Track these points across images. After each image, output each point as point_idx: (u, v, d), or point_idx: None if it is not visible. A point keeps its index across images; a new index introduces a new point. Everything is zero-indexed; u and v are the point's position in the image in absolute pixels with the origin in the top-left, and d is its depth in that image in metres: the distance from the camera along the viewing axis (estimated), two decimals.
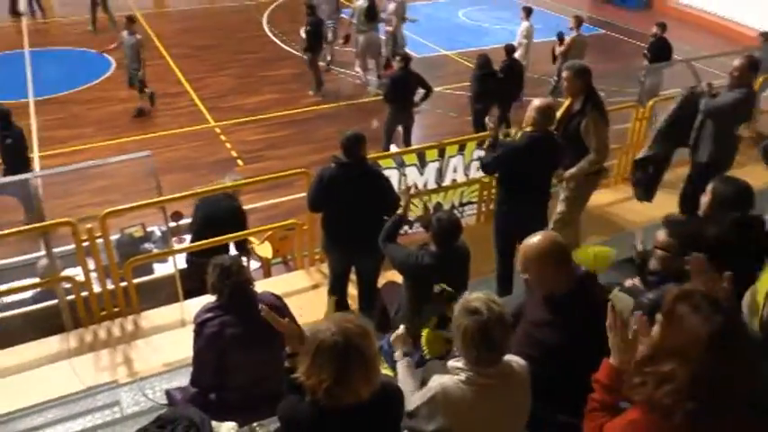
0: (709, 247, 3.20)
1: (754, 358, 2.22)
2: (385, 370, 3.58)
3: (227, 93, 13.39)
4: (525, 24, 12.55)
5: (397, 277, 4.93)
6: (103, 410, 4.77)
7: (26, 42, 16.27)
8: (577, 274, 3.20)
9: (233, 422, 3.42)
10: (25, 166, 8.59)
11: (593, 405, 2.51)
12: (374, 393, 2.49)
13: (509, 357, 2.87)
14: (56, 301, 5.93)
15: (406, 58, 10.28)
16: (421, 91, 10.02)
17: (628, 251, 4.48)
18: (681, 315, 2.15)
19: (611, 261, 4.52)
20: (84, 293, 5.88)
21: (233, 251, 6.45)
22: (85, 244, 5.73)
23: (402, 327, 3.41)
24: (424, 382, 2.99)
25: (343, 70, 14.67)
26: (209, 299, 3.92)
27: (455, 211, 7.27)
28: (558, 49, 11.97)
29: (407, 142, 10.34)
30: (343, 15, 14.85)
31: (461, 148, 7.26)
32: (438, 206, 7.23)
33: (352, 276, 5.75)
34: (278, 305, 3.84)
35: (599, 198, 7.70)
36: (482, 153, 6.12)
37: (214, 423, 3.29)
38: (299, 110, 12.76)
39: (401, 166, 6.99)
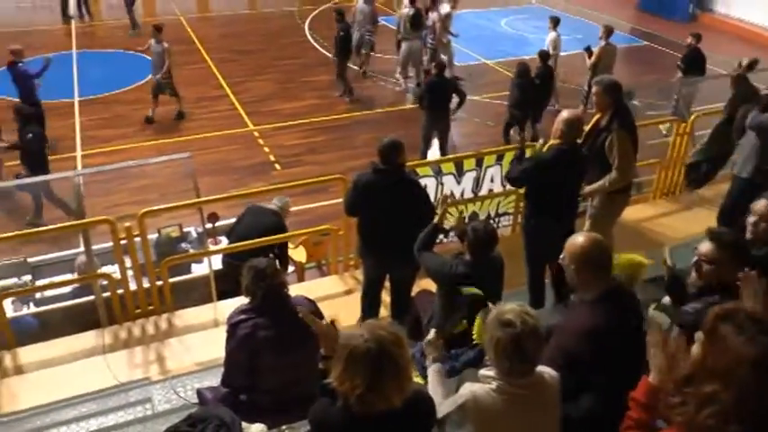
0: (762, 265, 3.13)
1: None
2: (416, 378, 3.55)
3: (267, 97, 13.51)
4: (552, 35, 12.46)
5: (431, 286, 4.90)
6: (135, 407, 4.83)
7: (74, 44, 16.65)
8: (613, 284, 3.22)
9: (263, 424, 3.42)
10: (43, 165, 8.78)
11: (629, 423, 2.46)
12: (406, 401, 2.47)
13: (541, 368, 2.84)
14: (92, 298, 6.02)
15: (441, 66, 10.32)
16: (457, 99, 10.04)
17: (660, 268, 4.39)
18: (724, 335, 2.09)
19: (644, 270, 4.47)
20: (121, 291, 5.95)
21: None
22: (123, 242, 5.81)
23: (433, 332, 3.38)
24: (457, 391, 2.96)
25: (383, 77, 14.71)
26: (243, 300, 3.93)
27: (491, 222, 7.21)
28: (588, 61, 11.89)
29: (443, 148, 10.39)
30: (384, 22, 14.92)
31: (499, 158, 7.20)
32: (474, 216, 7.18)
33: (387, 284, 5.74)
34: (311, 309, 3.84)
35: (636, 213, 7.62)
36: None
37: (244, 424, 3.30)
38: (338, 116, 12.81)
39: (438, 174, 6.96)
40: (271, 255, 6.42)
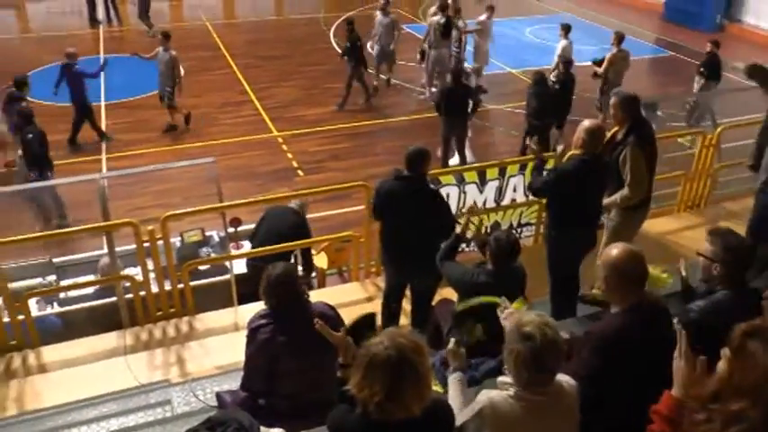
0: None
1: None
2: (435, 387, 3.53)
3: (291, 103, 13.57)
4: (564, 42, 12.42)
5: (452, 295, 4.88)
6: (155, 408, 4.86)
7: (102, 49, 16.87)
8: (644, 297, 3.23)
9: (281, 429, 3.42)
10: (44, 165, 8.93)
11: None
12: (425, 409, 2.45)
13: (559, 377, 2.82)
14: (115, 299, 6.07)
15: (458, 73, 10.37)
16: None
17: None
18: (752, 352, 2.05)
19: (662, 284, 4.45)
20: (143, 293, 6.00)
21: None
22: (146, 245, 5.86)
23: (453, 341, 3.37)
24: None
25: (408, 85, 14.73)
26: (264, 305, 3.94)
27: (513, 232, 7.17)
28: (599, 70, 11.93)
29: (461, 152, 10.49)
30: (410, 30, 14.92)
31: (522, 168, 7.16)
32: (496, 225, 7.14)
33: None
34: (331, 315, 3.83)
35: (660, 225, 7.55)
36: None
37: (262, 428, 3.29)
38: (362, 122, 12.84)
39: (461, 183, 6.94)
40: (294, 256, 6.45)
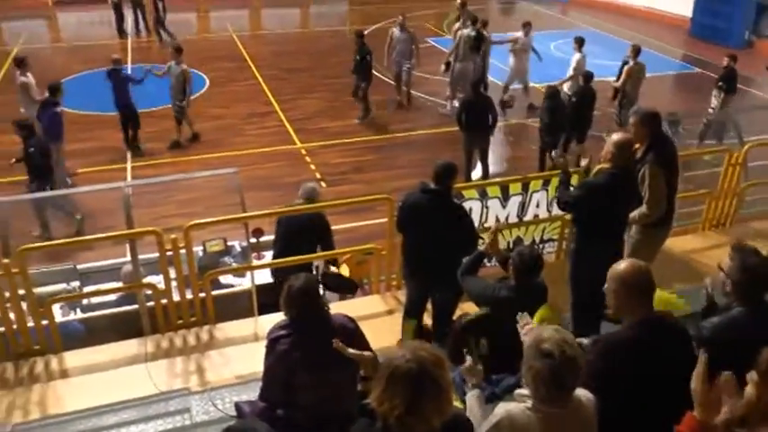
0: None
1: None
2: (455, 402, 3.51)
3: (315, 115, 13.64)
4: (577, 56, 12.41)
5: (473, 310, 4.85)
6: (174, 416, 4.88)
7: (129, 59, 17.10)
8: (655, 313, 3.26)
9: None
10: (45, 177, 9.09)
11: None
12: (445, 423, 2.43)
13: (578, 391, 2.79)
14: (137, 306, 6.11)
15: (478, 83, 10.35)
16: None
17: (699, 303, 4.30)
18: None
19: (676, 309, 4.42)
20: (164, 301, 6.03)
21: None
22: (169, 253, 5.90)
23: (469, 359, 3.35)
24: None
25: (431, 98, 14.75)
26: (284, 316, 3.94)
27: (536, 247, 7.13)
28: (617, 84, 11.95)
29: (484, 162, 10.48)
30: (433, 43, 14.92)
31: (545, 183, 7.13)
32: (518, 241, 7.11)
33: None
34: (350, 327, 3.82)
35: (684, 243, 7.47)
36: None
37: None
38: (385, 135, 12.89)
39: (484, 197, 6.91)
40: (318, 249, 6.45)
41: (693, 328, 3.88)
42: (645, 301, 3.22)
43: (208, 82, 15.81)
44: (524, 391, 2.76)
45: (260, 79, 16.01)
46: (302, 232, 6.28)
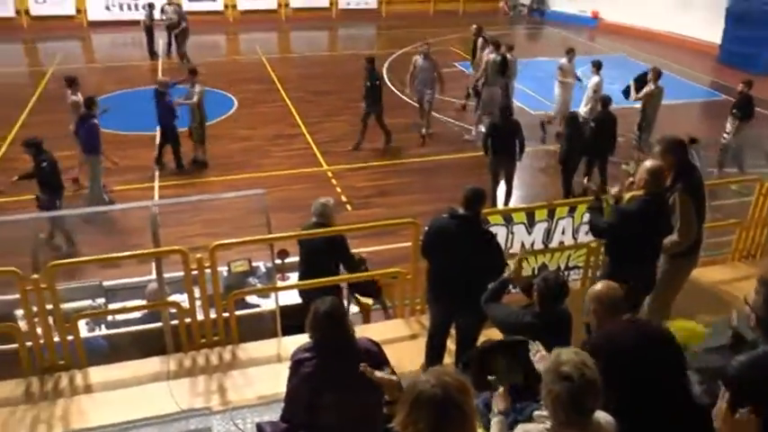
0: None
1: None
2: (479, 429, 3.48)
3: (341, 138, 13.70)
4: (595, 79, 12.36)
5: (497, 336, 4.81)
6: None
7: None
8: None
9: None
10: (55, 192, 9.22)
11: None
12: None
13: (597, 414, 2.78)
14: (161, 324, 6.15)
15: (507, 108, 10.35)
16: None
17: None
18: None
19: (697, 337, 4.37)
20: (188, 320, 6.06)
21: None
22: (194, 272, 5.94)
23: (502, 388, 3.34)
24: None
25: (458, 123, 14.78)
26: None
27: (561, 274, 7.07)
28: (633, 95, 12.00)
29: (509, 184, 10.49)
30: (461, 68, 14.96)
31: (571, 210, 7.09)
32: (543, 267, 7.06)
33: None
34: (374, 351, 3.81)
35: (713, 274, 7.37)
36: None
37: None
38: (409, 160, 12.91)
39: (509, 223, 6.89)
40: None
41: (715, 360, 3.83)
42: (621, 312, 3.66)
43: (236, 103, 16.02)
44: (543, 412, 2.76)
45: (287, 101, 16.17)
46: (320, 253, 6.27)
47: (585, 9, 26.66)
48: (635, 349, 3.37)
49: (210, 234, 8.64)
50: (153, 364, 5.94)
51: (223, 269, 6.90)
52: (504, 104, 10.87)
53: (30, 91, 16.72)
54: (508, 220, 6.91)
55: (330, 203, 6.52)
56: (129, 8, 24.04)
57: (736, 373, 3.19)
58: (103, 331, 6.67)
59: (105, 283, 7.20)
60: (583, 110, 12.27)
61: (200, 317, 6.12)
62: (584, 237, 7.02)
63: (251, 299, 7.04)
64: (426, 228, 5.45)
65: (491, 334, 5.23)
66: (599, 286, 3.79)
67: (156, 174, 11.94)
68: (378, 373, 3.40)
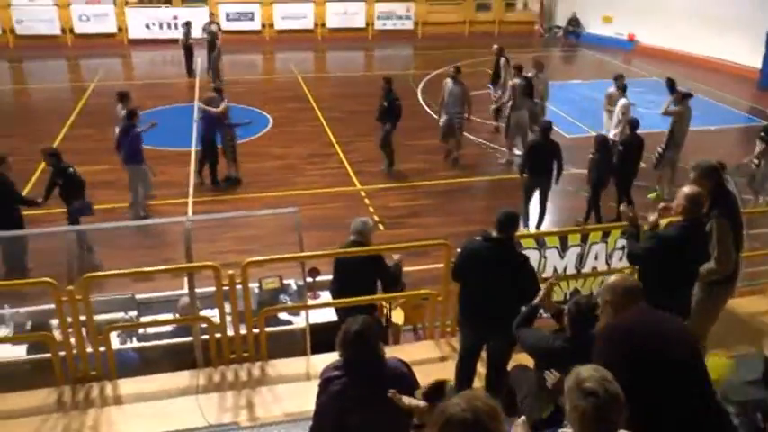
0: None
1: None
2: None
3: (375, 158, 13.73)
4: (623, 101, 12.22)
5: (528, 361, 4.76)
6: None
7: (197, 97, 17.64)
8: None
9: None
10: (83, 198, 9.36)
11: None
12: None
13: None
14: (191, 339, 6.20)
15: (547, 128, 10.31)
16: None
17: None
18: None
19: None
20: (218, 335, 6.10)
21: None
22: (225, 288, 5.98)
23: (523, 418, 3.32)
24: None
25: (493, 145, 14.76)
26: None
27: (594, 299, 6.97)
28: (663, 108, 11.88)
29: (543, 205, 10.47)
30: (489, 89, 14.97)
31: (605, 236, 7.00)
32: (575, 292, 6.97)
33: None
34: (404, 372, 3.79)
35: (750, 304, 7.21)
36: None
37: None
38: (441, 181, 12.90)
39: (542, 247, 6.82)
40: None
41: (753, 392, 3.75)
42: (638, 299, 3.68)
43: (271, 122, 16.20)
44: (568, 430, 2.74)
45: (322, 120, 16.30)
46: (356, 271, 6.25)
47: (622, 32, 26.51)
48: (651, 335, 3.43)
49: (242, 251, 8.71)
50: (182, 377, 5.99)
51: (254, 285, 6.95)
52: (547, 124, 10.72)
53: (71, 105, 17.14)
54: (541, 243, 6.85)
55: (369, 223, 6.54)
56: (169, 26, 24.56)
57: None
58: (135, 344, 6.73)
59: (138, 296, 7.28)
60: (612, 132, 12.15)
61: (230, 332, 6.16)
62: (618, 262, 6.93)
63: (283, 315, 7.05)
64: (459, 250, 5.44)
65: (521, 358, 5.18)
66: (612, 278, 3.86)
67: (191, 189, 12.08)
68: (406, 399, 3.38)
